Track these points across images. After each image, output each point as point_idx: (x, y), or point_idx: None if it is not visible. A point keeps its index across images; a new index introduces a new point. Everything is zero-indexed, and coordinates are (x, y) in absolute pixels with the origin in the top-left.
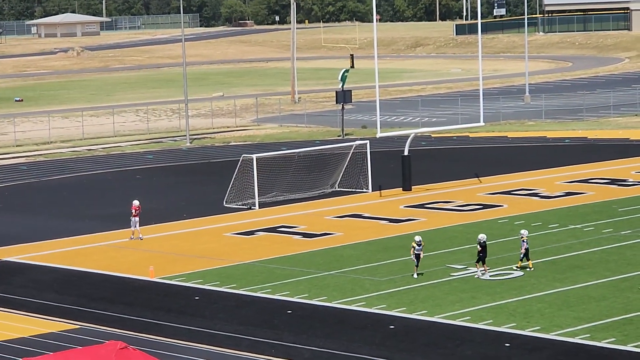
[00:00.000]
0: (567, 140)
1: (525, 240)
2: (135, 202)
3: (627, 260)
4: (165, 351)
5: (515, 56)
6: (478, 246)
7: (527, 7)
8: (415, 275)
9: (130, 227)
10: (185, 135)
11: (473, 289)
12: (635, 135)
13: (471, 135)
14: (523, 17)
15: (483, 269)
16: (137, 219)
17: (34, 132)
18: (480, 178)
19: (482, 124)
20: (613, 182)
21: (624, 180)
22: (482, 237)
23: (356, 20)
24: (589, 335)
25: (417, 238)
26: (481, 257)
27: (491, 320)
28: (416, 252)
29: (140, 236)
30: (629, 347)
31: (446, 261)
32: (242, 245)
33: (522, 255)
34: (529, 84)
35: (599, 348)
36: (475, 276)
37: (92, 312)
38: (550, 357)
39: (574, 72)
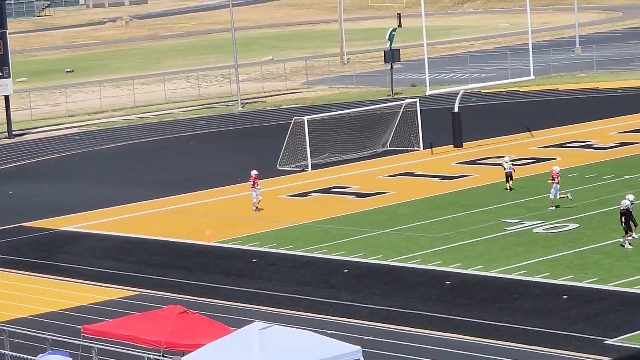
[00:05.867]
0: (619, 91)
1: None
2: (253, 172)
3: None
4: (224, 314)
5: (564, 8)
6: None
7: None
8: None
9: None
10: (237, 100)
11: (528, 242)
12: None
13: (521, 89)
14: None
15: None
16: (255, 189)
17: (85, 102)
18: (532, 132)
19: (532, 77)
20: None
21: None
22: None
23: None
24: None
25: (631, 197)
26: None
27: (548, 273)
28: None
29: (256, 207)
30: None
31: (500, 216)
32: (297, 206)
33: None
34: (579, 35)
35: None
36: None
37: (150, 278)
38: (609, 307)
39: (624, 22)
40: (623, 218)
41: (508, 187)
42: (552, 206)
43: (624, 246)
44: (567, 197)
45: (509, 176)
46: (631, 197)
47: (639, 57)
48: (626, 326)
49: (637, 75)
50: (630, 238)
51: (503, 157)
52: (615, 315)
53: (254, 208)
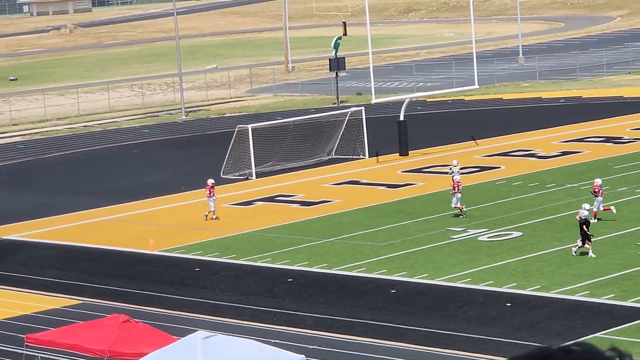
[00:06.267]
0: (562, 100)
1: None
2: (209, 181)
3: (624, 216)
4: (168, 323)
5: (507, 18)
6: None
7: None
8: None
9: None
10: (181, 108)
11: (473, 250)
12: (628, 93)
13: (466, 98)
14: None
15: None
16: (211, 198)
17: (29, 110)
18: (476, 140)
19: (476, 86)
20: (608, 140)
21: (619, 138)
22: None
23: None
24: (588, 292)
25: (587, 206)
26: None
27: (492, 281)
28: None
29: (215, 216)
30: (628, 303)
31: (445, 224)
32: (240, 215)
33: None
34: (522, 45)
35: (598, 304)
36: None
37: (94, 287)
38: (551, 315)
39: (566, 32)
40: (584, 227)
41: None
42: (462, 214)
43: (587, 254)
44: (462, 210)
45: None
46: (587, 206)
47: (581, 67)
48: (568, 333)
49: (579, 86)
50: (587, 246)
51: (451, 164)
52: (557, 323)
53: (205, 215)
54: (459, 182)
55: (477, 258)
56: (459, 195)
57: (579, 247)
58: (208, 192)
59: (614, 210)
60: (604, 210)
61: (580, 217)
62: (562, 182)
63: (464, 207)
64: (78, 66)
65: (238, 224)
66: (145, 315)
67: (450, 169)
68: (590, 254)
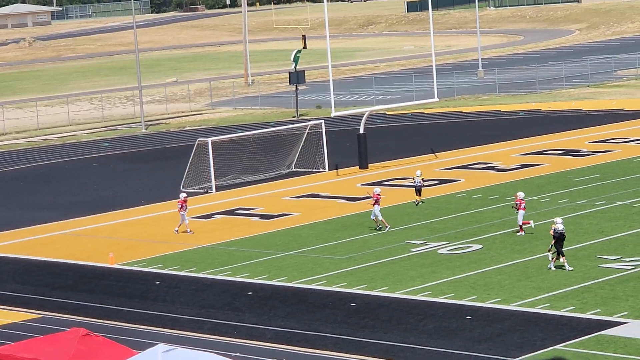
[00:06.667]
0: (521, 113)
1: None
2: (182, 195)
3: (583, 229)
4: (128, 336)
5: (467, 31)
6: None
7: None
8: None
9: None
10: (141, 122)
11: (433, 263)
12: (587, 106)
13: (426, 111)
14: None
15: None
16: (184, 212)
17: None
18: (436, 153)
19: (436, 99)
20: (567, 152)
21: (578, 151)
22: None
23: (307, 0)
24: (548, 304)
25: (559, 219)
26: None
27: (452, 294)
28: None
29: (189, 230)
30: (587, 315)
31: (405, 237)
32: (200, 228)
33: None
34: (482, 58)
35: (558, 317)
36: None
37: (54, 301)
38: (511, 327)
39: (525, 46)
40: (554, 241)
41: (417, 201)
42: (377, 227)
43: (563, 267)
44: (385, 223)
45: (418, 190)
46: (560, 220)
47: (540, 80)
48: (528, 346)
49: (538, 98)
50: (561, 260)
51: (414, 175)
52: (517, 335)
53: (188, 230)
54: (379, 195)
55: (437, 271)
56: (378, 207)
57: (554, 261)
58: (180, 205)
59: (532, 225)
60: (523, 224)
61: (555, 230)
62: None
63: (383, 221)
64: (37, 79)
65: (198, 237)
66: (105, 329)
67: (414, 179)
68: (567, 267)
